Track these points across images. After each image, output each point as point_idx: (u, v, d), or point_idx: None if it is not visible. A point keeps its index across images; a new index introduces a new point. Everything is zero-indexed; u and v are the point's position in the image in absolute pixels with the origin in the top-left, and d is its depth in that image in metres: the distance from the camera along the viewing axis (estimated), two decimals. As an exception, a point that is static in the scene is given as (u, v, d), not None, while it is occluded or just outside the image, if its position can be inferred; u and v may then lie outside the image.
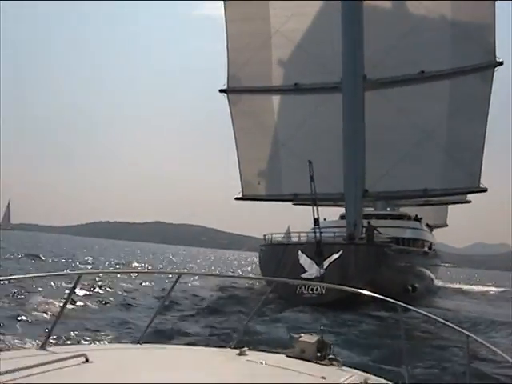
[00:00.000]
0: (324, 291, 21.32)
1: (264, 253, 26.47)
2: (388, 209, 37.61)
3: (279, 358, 3.24)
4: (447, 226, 50.67)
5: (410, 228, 30.66)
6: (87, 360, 2.57)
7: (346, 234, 25.96)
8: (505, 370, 10.44)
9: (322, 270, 22.23)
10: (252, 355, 3.21)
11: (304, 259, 22.97)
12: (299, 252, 23.29)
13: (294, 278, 22.28)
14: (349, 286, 16.21)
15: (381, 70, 27.77)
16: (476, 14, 28.06)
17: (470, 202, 41.97)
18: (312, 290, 21.58)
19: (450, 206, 46.35)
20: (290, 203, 33.42)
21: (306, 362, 3.15)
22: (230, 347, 3.57)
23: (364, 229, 25.43)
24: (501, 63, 28.40)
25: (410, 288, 25.36)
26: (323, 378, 2.83)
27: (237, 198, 30.16)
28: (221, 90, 29.63)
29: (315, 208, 22.75)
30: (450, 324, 3.82)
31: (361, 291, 4.37)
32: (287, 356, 3.27)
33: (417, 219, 32.79)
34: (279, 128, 29.12)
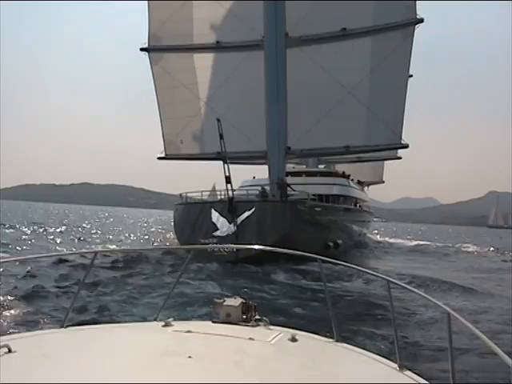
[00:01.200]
0: (234, 249, 21.06)
1: (178, 212, 25.98)
2: (323, 166, 38.15)
3: (205, 325, 3.25)
4: (384, 182, 51.56)
5: (337, 185, 30.88)
6: (10, 350, 2.49)
7: (270, 191, 25.82)
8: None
9: (233, 228, 21.91)
10: (178, 325, 3.21)
11: (216, 217, 22.69)
12: (212, 210, 22.89)
13: (206, 236, 22.06)
14: (262, 243, 16.05)
15: (303, 28, 27.84)
16: None
17: (400, 158, 42.85)
18: (224, 247, 21.38)
19: (377, 163, 46.88)
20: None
21: (233, 326, 3.19)
22: (155, 320, 3.46)
23: (276, 185, 25.23)
24: (421, 20, 28.79)
25: (331, 244, 25.27)
26: (251, 338, 2.89)
27: (160, 158, 29.64)
28: (141, 49, 29.14)
29: (226, 166, 22.27)
30: (369, 271, 3.91)
31: (268, 248, 4.30)
32: (213, 322, 3.29)
33: (344, 176, 33.02)
34: (201, 86, 28.80)
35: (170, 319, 3.31)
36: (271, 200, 24.20)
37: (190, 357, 2.50)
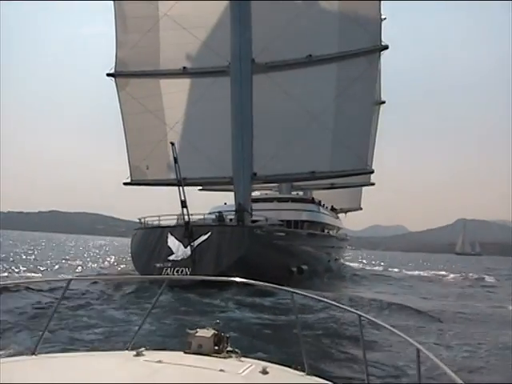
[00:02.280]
0: (189, 273, 21.22)
1: (136, 237, 26.07)
2: (301, 193, 38.63)
3: (177, 355, 3.24)
4: (361, 209, 52.01)
5: (307, 211, 31.13)
6: None
7: (235, 216, 26.00)
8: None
9: (188, 252, 22.09)
10: (149, 355, 3.22)
11: (172, 241, 22.87)
12: (168, 234, 23.04)
13: (162, 260, 22.20)
14: (218, 267, 16.24)
15: (269, 54, 28.22)
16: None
17: (373, 184, 43.30)
18: (178, 271, 21.48)
19: (355, 190, 47.26)
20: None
21: (205, 357, 3.20)
22: (127, 349, 3.50)
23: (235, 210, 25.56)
24: (386, 47, 29.31)
25: (294, 270, 25.39)
26: (222, 370, 2.90)
27: (125, 183, 29.75)
28: (108, 74, 29.36)
29: (181, 190, 22.74)
30: (340, 305, 3.99)
31: (230, 279, 4.47)
32: (185, 352, 3.29)
33: (313, 201, 33.39)
34: (167, 112, 29.05)
35: (142, 349, 3.32)
36: (227, 224, 24.44)
37: None
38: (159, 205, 24.36)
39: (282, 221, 28.80)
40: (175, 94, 29.04)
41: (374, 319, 3.58)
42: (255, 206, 31.40)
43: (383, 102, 48.00)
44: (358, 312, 3.50)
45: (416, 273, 47.26)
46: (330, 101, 28.16)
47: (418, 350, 2.90)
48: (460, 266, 76.81)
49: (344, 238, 45.48)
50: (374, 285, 30.12)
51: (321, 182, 36.12)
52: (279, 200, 33.64)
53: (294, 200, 33.94)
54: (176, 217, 25.78)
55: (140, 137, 28.98)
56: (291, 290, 3.82)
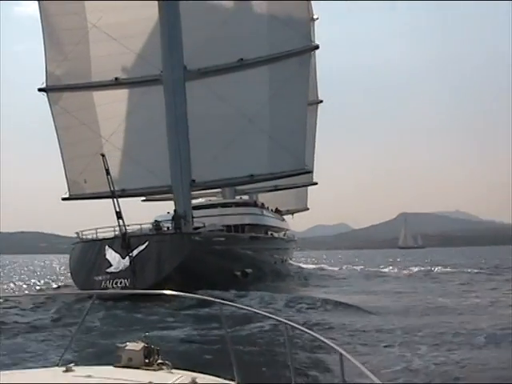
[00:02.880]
0: (128, 284, 21.27)
1: (74, 252, 25.97)
2: (246, 197, 38.88)
3: (107, 370, 3.23)
4: (308, 209, 52.44)
5: (250, 214, 31.37)
6: None
7: (173, 225, 26.06)
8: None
9: (127, 263, 22.10)
10: (79, 370, 3.19)
11: (110, 253, 22.90)
12: (106, 246, 23.04)
13: (100, 273, 22.17)
14: (159, 275, 16.14)
15: (201, 60, 28.39)
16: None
17: (316, 183, 43.87)
18: (116, 283, 21.54)
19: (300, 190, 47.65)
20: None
21: (135, 370, 3.17)
22: (57, 365, 3.45)
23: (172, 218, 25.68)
24: (317, 47, 29.79)
25: (238, 273, 25.58)
26: (151, 383, 2.86)
27: (64, 199, 29.59)
28: (40, 89, 29.07)
29: (115, 201, 22.79)
30: (267, 314, 4.06)
31: (159, 291, 4.57)
32: (115, 366, 3.27)
33: (256, 205, 33.65)
34: (102, 124, 28.94)
35: (72, 364, 3.28)
36: (164, 232, 24.52)
37: None
38: (102, 218, 24.32)
39: (225, 226, 28.96)
40: (109, 105, 28.95)
41: (298, 326, 3.61)
42: (199, 212, 31.52)
43: (321, 101, 48.47)
44: (283, 320, 3.55)
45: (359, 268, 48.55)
46: (265, 103, 28.44)
47: (341, 355, 2.98)
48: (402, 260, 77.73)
49: (291, 240, 45.85)
50: (320, 283, 30.51)
51: (264, 184, 36.41)
52: (223, 205, 33.76)
53: (237, 204, 34.09)
54: (112, 229, 25.75)
55: (76, 150, 28.80)
56: (218, 300, 3.84)
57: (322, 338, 3.35)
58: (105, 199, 29.35)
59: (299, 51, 28.85)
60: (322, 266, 55.20)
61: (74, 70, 28.90)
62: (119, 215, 22.65)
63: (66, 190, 29.46)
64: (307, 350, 11.99)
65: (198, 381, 3.05)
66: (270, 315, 3.96)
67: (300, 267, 46.74)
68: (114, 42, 28.79)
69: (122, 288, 21.47)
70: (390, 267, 48.17)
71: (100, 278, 22.27)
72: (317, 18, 45.92)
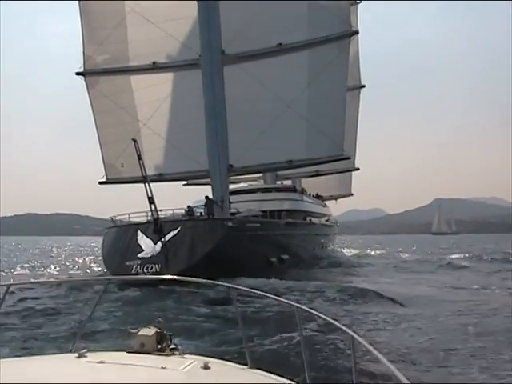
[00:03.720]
0: (158, 269, 21.20)
1: (107, 236, 26.05)
2: (288, 182, 38.97)
3: (119, 355, 3.26)
4: (352, 195, 52.01)
5: (289, 200, 31.30)
6: None
7: (206, 211, 26.04)
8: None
9: (158, 248, 22.12)
10: (92, 356, 3.23)
11: (142, 238, 22.89)
12: (138, 231, 23.06)
13: (131, 258, 22.17)
14: (190, 261, 16.08)
15: (239, 44, 28.29)
16: None
17: (358, 169, 43.68)
18: (147, 269, 21.46)
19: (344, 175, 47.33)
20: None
21: (147, 356, 3.22)
22: (70, 351, 3.50)
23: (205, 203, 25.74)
24: (356, 32, 29.55)
25: (273, 260, 25.49)
26: (163, 368, 2.95)
27: (101, 183, 29.73)
28: (77, 73, 29.23)
29: (147, 186, 22.58)
30: (279, 298, 3.93)
31: (181, 278, 4.42)
32: (128, 352, 3.31)
33: (296, 190, 33.66)
34: (139, 108, 29.04)
35: (85, 350, 3.33)
36: (197, 218, 24.46)
37: None
38: (137, 202, 24.34)
39: (264, 211, 28.85)
40: (147, 89, 29.02)
41: (309, 310, 3.62)
42: (239, 197, 31.60)
43: (363, 86, 48.03)
44: (295, 304, 3.56)
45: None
46: (303, 88, 28.30)
47: (353, 338, 2.99)
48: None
49: (332, 225, 45.55)
50: (360, 272, 30.18)
51: (306, 169, 36.29)
52: (263, 190, 33.86)
53: (277, 190, 34.16)
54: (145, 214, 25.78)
55: (113, 134, 28.91)
56: (228, 285, 3.86)
57: (334, 322, 3.35)
58: (142, 183, 29.66)
59: (338, 36, 28.65)
60: (367, 251, 54.65)
61: (112, 54, 29.03)
62: (151, 200, 22.51)
63: (103, 173, 29.56)
64: (320, 334, 11.93)
65: (210, 365, 3.09)
66: (282, 299, 3.94)
67: (342, 253, 46.49)
68: (151, 25, 28.85)
69: (152, 274, 21.22)
70: (456, 255, 46.25)
71: (131, 263, 22.17)
72: (359, 2, 45.54)
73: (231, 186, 35.63)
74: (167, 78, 29.05)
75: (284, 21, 28.51)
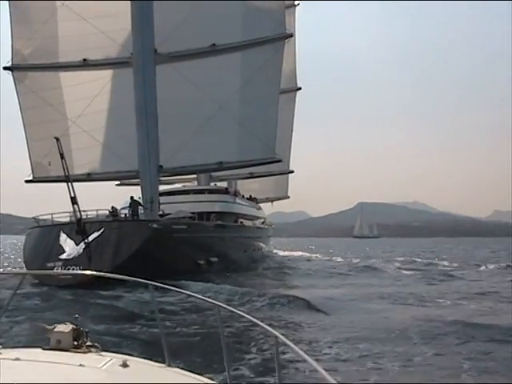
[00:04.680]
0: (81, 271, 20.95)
1: (29, 236, 25.67)
2: (224, 184, 38.97)
3: (35, 352, 3.15)
4: (289, 197, 52.56)
5: (220, 202, 31.33)
6: None
7: (130, 212, 25.81)
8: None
9: (80, 250, 21.89)
10: (6, 353, 3.08)
11: (64, 239, 22.64)
12: (61, 232, 22.77)
13: (53, 259, 21.90)
14: (114, 262, 15.81)
15: (172, 44, 28.19)
16: None
17: (292, 171, 44.07)
18: (69, 270, 21.25)
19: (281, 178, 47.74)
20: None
21: (63, 353, 3.12)
22: None
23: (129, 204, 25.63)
24: (290, 35, 29.80)
25: (201, 262, 25.48)
26: (81, 365, 2.86)
27: (27, 181, 29.20)
28: (5, 68, 28.59)
29: (70, 186, 22.39)
30: (200, 296, 3.92)
31: (105, 274, 4.33)
32: (43, 349, 3.20)
33: (228, 192, 33.87)
34: (69, 105, 28.61)
35: None
36: (121, 219, 24.32)
37: None
38: (65, 201, 23.86)
39: (195, 213, 28.82)
40: (77, 86, 28.60)
41: (232, 309, 3.59)
42: (172, 198, 31.46)
43: (299, 89, 48.47)
44: (216, 302, 3.55)
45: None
46: (236, 90, 28.40)
47: (276, 337, 2.97)
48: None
49: (266, 228, 45.87)
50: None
51: (240, 171, 36.49)
52: (195, 192, 33.81)
53: (210, 191, 34.16)
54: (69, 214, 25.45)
55: (40, 132, 28.36)
56: (146, 281, 3.81)
57: (258, 321, 3.36)
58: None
59: (273, 38, 28.84)
60: (303, 253, 55.33)
61: (41, 49, 28.49)
62: (74, 200, 22.26)
63: (30, 172, 29.03)
64: (243, 334, 12.13)
65: (128, 363, 3.04)
66: (203, 297, 3.92)
67: (277, 254, 46.86)
68: (83, 21, 28.43)
69: (73, 276, 20.98)
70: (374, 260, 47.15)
71: (52, 264, 21.92)
72: (297, 4, 45.91)
73: (165, 187, 35.58)
74: (98, 75, 28.66)
75: (218, 22, 28.54)
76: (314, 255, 52.45)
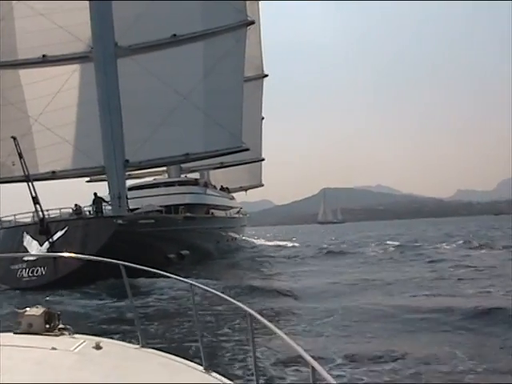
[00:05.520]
0: (44, 272, 20.70)
1: None
2: (195, 175, 38.79)
3: (6, 337, 3.09)
4: (263, 185, 52.43)
5: (190, 194, 31.24)
6: None
7: (94, 209, 25.59)
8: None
9: (44, 250, 21.71)
10: None
11: (28, 240, 22.37)
12: (24, 233, 22.54)
13: (17, 262, 21.62)
14: (79, 262, 15.53)
15: (133, 36, 27.99)
16: None
17: (263, 159, 43.89)
18: (33, 272, 20.92)
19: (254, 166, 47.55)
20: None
21: (35, 336, 3.08)
22: None
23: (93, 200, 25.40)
24: (252, 22, 29.64)
25: (172, 256, 25.36)
26: (54, 348, 2.82)
27: (-10, 182, 28.81)
28: (-39, 67, 28.13)
29: (31, 186, 22.23)
30: (172, 276, 3.91)
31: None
32: (15, 333, 3.15)
33: (197, 183, 33.87)
34: (30, 103, 28.29)
35: None
36: (85, 217, 24.11)
37: None
38: (29, 201, 23.53)
39: (164, 206, 28.70)
40: (37, 83, 28.27)
41: (205, 287, 3.59)
42: (142, 192, 31.29)
43: (266, 76, 48.21)
44: (189, 281, 3.54)
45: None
46: (199, 80, 28.30)
47: (250, 315, 2.98)
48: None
49: (240, 217, 45.77)
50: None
51: (210, 161, 36.19)
52: (166, 184, 33.68)
53: (180, 183, 34.07)
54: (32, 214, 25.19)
55: (3, 131, 27.89)
56: (120, 262, 3.80)
57: (231, 299, 3.37)
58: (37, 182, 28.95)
59: (234, 26, 28.70)
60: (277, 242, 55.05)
61: (-1, 47, 28.04)
62: (36, 200, 22.01)
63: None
64: (217, 313, 12.28)
65: (102, 345, 3.04)
66: (178, 277, 3.91)
67: (252, 244, 46.89)
68: (41, 17, 28.11)
69: (39, 277, 20.77)
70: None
71: (16, 267, 21.49)
72: None
73: (135, 181, 35.41)
74: (59, 71, 28.35)
75: (178, 11, 28.32)
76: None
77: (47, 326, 3.21)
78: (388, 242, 42.54)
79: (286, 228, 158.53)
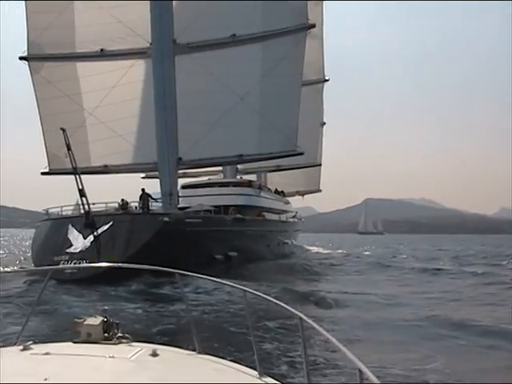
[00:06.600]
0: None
1: (38, 230, 25.36)
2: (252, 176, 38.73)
3: (65, 346, 3.22)
4: (321, 191, 51.85)
5: (243, 195, 31.04)
6: None
7: (140, 204, 25.36)
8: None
9: (88, 243, 21.57)
10: (37, 348, 3.17)
11: (72, 233, 22.22)
12: (69, 225, 22.48)
13: (59, 253, 21.48)
14: (121, 257, 15.51)
15: (191, 34, 28.00)
16: None
17: (320, 165, 43.56)
18: (75, 264, 20.68)
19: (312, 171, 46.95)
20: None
21: (94, 345, 3.19)
22: (15, 344, 3.37)
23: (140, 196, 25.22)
24: (313, 25, 29.52)
25: (219, 257, 25.03)
26: (111, 356, 2.91)
27: (43, 173, 28.93)
28: (21, 58, 28.36)
29: (78, 178, 21.78)
30: (227, 282, 4.03)
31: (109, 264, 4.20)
32: (74, 342, 3.27)
33: (251, 185, 33.74)
34: (85, 96, 28.37)
35: (30, 342, 3.27)
36: (130, 212, 23.93)
37: (46, 379, 2.49)
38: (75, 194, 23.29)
39: (216, 206, 28.36)
40: (93, 77, 28.35)
41: (257, 293, 3.63)
42: (196, 191, 31.15)
43: (327, 80, 47.77)
44: (243, 288, 3.60)
45: None
46: (256, 81, 28.18)
47: (301, 319, 3.05)
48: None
49: (294, 222, 45.21)
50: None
51: (266, 163, 35.92)
52: (220, 185, 33.60)
53: (234, 184, 34.01)
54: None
55: (57, 123, 27.87)
56: (175, 271, 3.86)
57: (282, 304, 3.42)
58: (88, 175, 28.91)
59: (294, 29, 28.59)
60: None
61: (58, 39, 28.20)
62: (82, 193, 21.74)
63: (46, 164, 28.71)
64: (269, 318, 12.08)
65: (158, 352, 3.10)
66: (229, 283, 4.05)
67: (304, 249, 46.22)
68: (100, 11, 28.25)
69: (82, 270, 20.49)
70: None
71: (59, 258, 21.36)
72: None
73: (190, 180, 35.42)
74: (116, 66, 28.42)
75: (238, 12, 28.32)
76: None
77: (106, 334, 3.32)
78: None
79: (327, 236, 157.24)
